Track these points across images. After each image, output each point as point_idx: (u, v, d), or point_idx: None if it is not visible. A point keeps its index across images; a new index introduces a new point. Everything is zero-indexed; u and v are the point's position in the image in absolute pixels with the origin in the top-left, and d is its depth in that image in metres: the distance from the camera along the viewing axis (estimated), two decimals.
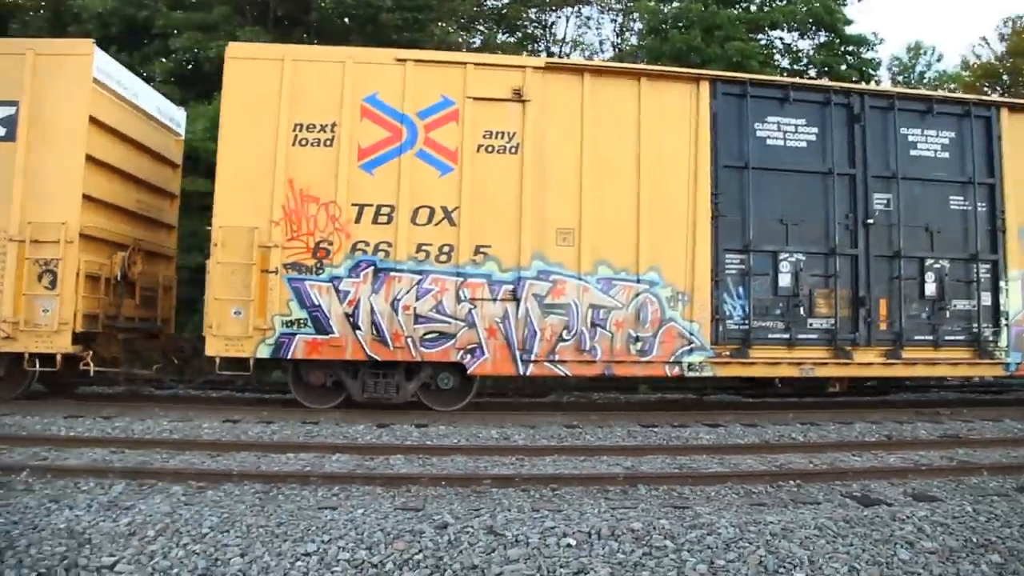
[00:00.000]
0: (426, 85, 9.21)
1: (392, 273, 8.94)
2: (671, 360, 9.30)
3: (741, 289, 9.57)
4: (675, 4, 18.31)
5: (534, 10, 20.26)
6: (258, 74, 9.07)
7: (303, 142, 9.01)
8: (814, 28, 18.36)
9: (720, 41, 16.30)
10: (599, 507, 5.36)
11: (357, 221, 8.99)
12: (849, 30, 18.13)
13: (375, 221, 9.00)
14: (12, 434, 7.69)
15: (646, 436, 8.45)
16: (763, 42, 18.11)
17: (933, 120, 10.37)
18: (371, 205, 9.01)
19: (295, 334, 8.80)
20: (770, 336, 9.63)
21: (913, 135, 10.34)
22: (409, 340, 8.89)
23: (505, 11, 19.73)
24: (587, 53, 21.64)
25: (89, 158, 9.44)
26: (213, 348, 8.77)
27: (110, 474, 6.07)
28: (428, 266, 9.00)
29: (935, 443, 8.26)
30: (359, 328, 8.85)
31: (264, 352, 8.80)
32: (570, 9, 20.65)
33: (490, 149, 9.20)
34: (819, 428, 9.03)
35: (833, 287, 9.72)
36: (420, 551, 4.34)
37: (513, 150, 9.21)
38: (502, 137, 9.22)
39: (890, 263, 9.99)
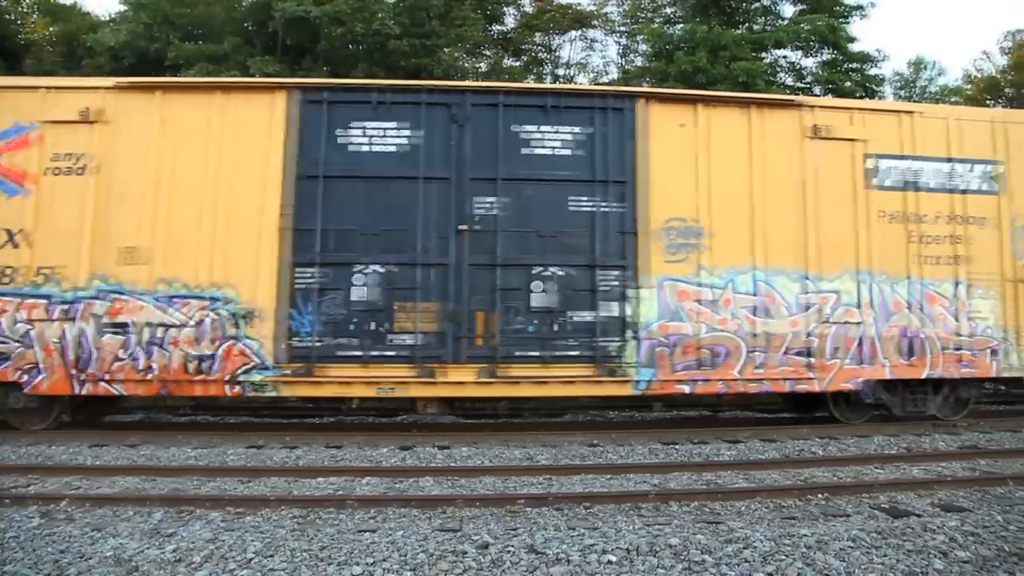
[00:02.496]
0: (1, 110, 9.41)
1: None
2: (230, 379, 9.02)
3: (311, 305, 9.13)
4: (680, 26, 18.59)
5: (539, 34, 20.56)
6: None
7: None
8: (818, 46, 18.61)
9: (726, 61, 16.54)
10: (634, 524, 5.44)
11: None
12: (853, 48, 18.37)
13: None
14: (42, 464, 7.79)
15: (668, 453, 8.53)
16: (768, 61, 18.35)
17: (557, 116, 9.69)
18: None
19: None
20: (341, 354, 9.07)
21: (530, 132, 9.66)
22: None
23: (511, 36, 20.03)
24: (592, 76, 21.93)
25: None
26: None
27: (148, 502, 6.16)
28: None
29: (956, 454, 8.35)
30: None
31: None
32: (575, 32, 20.94)
33: (58, 171, 9.27)
34: (838, 442, 9.09)
35: (418, 300, 9.20)
36: (464, 571, 4.42)
37: (81, 171, 9.27)
38: (72, 159, 9.31)
39: (492, 272, 9.30)
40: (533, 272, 9.35)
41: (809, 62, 19.25)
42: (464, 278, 9.25)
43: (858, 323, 9.90)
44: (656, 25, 19.87)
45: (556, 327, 9.30)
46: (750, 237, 9.78)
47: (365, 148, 9.46)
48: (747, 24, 19.09)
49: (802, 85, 18.76)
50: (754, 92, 13.89)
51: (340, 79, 10.92)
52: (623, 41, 22.37)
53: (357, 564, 4.56)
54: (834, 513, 5.91)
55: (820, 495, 6.48)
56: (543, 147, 9.65)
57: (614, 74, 21.93)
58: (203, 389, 9.17)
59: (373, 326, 9.14)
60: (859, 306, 9.96)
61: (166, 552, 4.78)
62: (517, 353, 9.21)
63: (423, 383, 9.12)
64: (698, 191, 9.77)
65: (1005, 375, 10.38)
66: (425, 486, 6.87)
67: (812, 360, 9.74)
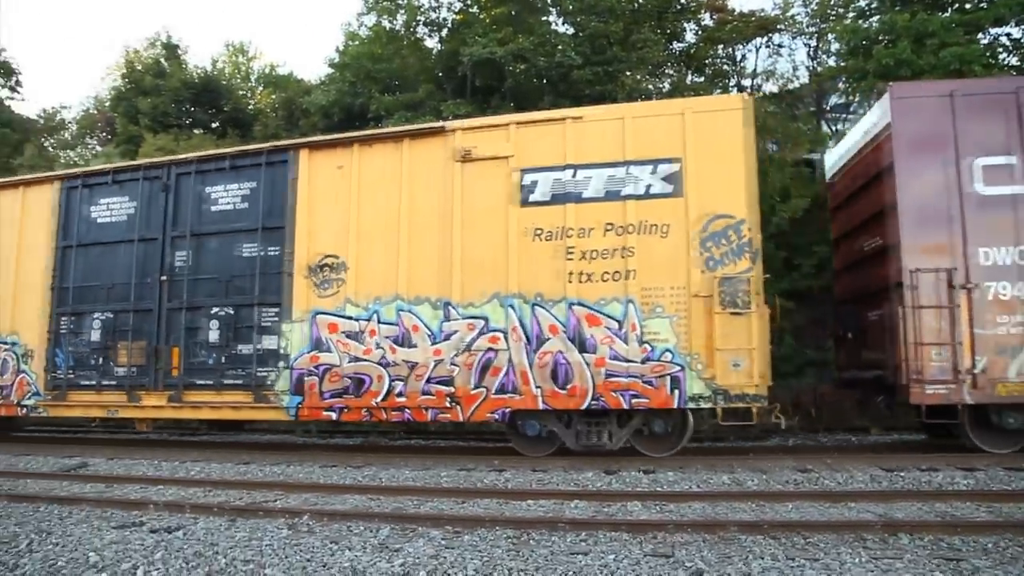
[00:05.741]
0: None
1: None
2: (18, 403, 11.85)
3: (67, 345, 11.64)
4: (876, 19, 17.30)
5: (722, 46, 20.07)
6: None
7: None
8: None
9: (934, 49, 15.11)
10: (859, 556, 5.10)
11: None
12: None
13: None
14: (283, 481, 8.71)
15: (891, 481, 7.89)
16: (985, 42, 16.50)
17: (235, 174, 11.10)
18: None
19: None
20: (84, 383, 11.49)
21: (216, 192, 11.19)
22: None
23: (693, 51, 19.72)
24: (782, 82, 20.99)
25: None
26: None
27: (376, 519, 6.70)
28: None
29: None
30: None
31: None
32: (760, 40, 20.17)
33: None
34: None
35: (131, 339, 11.14)
36: None
37: None
38: None
39: (184, 314, 10.95)
40: (211, 312, 10.89)
41: None
42: (163, 320, 11.12)
43: (505, 350, 9.43)
44: (849, 21, 18.61)
45: (225, 359, 10.73)
46: (395, 268, 10.04)
47: (105, 219, 11.86)
48: (956, 5, 17.30)
49: None
50: (963, 78, 12.57)
51: (92, 167, 13.41)
52: (813, 43, 21.21)
53: None
54: None
55: None
56: (224, 203, 11.17)
57: (804, 78, 20.85)
58: (5, 411, 12.11)
59: (103, 360, 11.45)
60: (507, 332, 9.46)
61: (394, 566, 5.17)
62: (199, 382, 10.85)
63: (132, 407, 11.22)
64: (349, 228, 10.36)
65: (690, 407, 8.91)
66: (633, 510, 6.87)
67: (454, 389, 9.53)
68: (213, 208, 11.19)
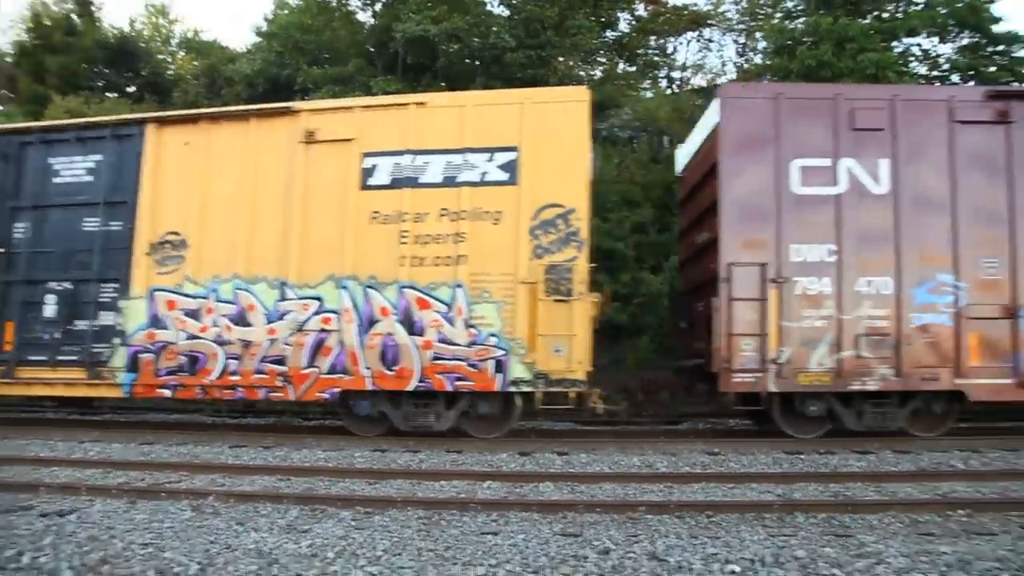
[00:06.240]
0: None
1: None
2: None
3: None
4: (801, 20, 17.86)
5: (654, 38, 20.35)
6: None
7: None
8: (957, 31, 17.31)
9: (852, 54, 15.72)
10: (758, 534, 5.30)
11: None
12: (997, 29, 16.95)
13: None
14: (188, 462, 8.42)
15: (792, 463, 8.23)
16: (899, 50, 17.27)
17: (83, 146, 10.70)
18: None
19: None
20: None
21: (61, 163, 10.76)
22: None
23: (626, 40, 19.92)
24: (710, 76, 21.48)
25: None
26: None
27: (284, 500, 6.57)
28: None
29: None
30: None
31: None
32: (691, 33, 20.57)
33: None
34: (981, 455, 8.47)
35: None
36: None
37: None
38: None
39: (21, 288, 10.57)
40: (50, 287, 10.52)
41: (946, 48, 17.97)
42: (5, 293, 10.65)
43: (336, 331, 9.52)
44: (776, 21, 19.17)
45: (62, 335, 10.39)
46: (235, 247, 9.94)
47: None
48: (876, 13, 18.06)
49: (938, 73, 17.57)
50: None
51: None
52: (741, 40, 21.79)
53: (480, 565, 4.68)
54: (977, 531, 5.50)
55: (961, 511, 6.06)
56: (69, 175, 10.73)
57: (732, 73, 21.40)
58: None
59: None
60: (340, 313, 9.54)
61: (302, 547, 5.08)
62: (31, 358, 10.48)
63: None
64: (192, 206, 10.19)
65: (511, 390, 9.25)
66: (545, 491, 6.96)
67: (287, 368, 9.56)
68: (57, 180, 10.78)
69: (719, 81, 21.28)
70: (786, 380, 9.12)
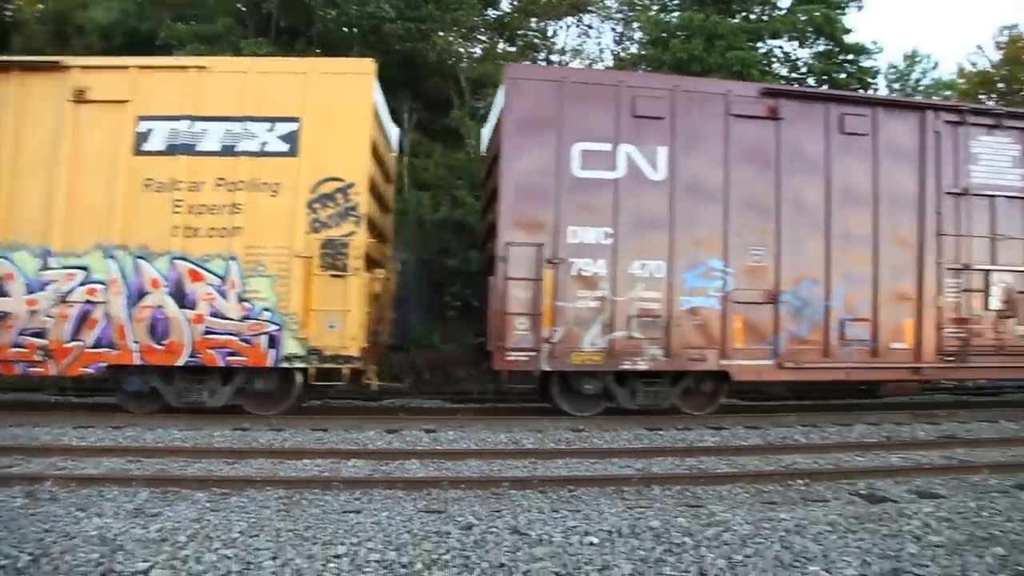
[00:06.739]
0: None
1: None
2: None
3: None
4: (676, 14, 18.52)
5: (535, 20, 20.44)
6: None
7: None
8: (814, 37, 18.54)
9: (721, 50, 16.49)
10: (616, 507, 5.51)
11: None
12: (849, 39, 18.31)
13: None
14: (24, 445, 7.75)
15: (652, 439, 8.62)
16: (763, 51, 18.30)
17: None
18: None
19: None
20: None
21: None
22: None
23: (507, 20, 19.90)
24: (587, 62, 21.82)
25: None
26: None
27: (133, 482, 6.19)
28: None
29: (934, 443, 8.47)
30: None
31: None
32: (571, 18, 20.81)
33: None
34: (820, 430, 9.20)
35: None
36: (448, 551, 4.47)
37: None
38: None
39: None
40: None
41: (804, 53, 19.19)
42: None
43: (103, 303, 9.12)
44: (652, 13, 19.78)
45: None
46: None
47: None
48: (744, 13, 19.02)
49: (797, 76, 18.71)
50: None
51: None
52: (619, 28, 22.29)
53: (341, 544, 4.60)
54: (814, 499, 5.99)
55: (800, 481, 6.57)
56: None
57: (609, 61, 21.85)
58: None
59: None
60: (108, 284, 9.12)
61: (150, 531, 4.79)
62: None
63: None
64: None
65: (284, 366, 9.20)
66: (411, 468, 6.93)
67: (47, 342, 9.10)
68: None
69: (597, 67, 21.75)
70: (559, 359, 9.22)
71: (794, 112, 9.99)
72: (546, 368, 9.27)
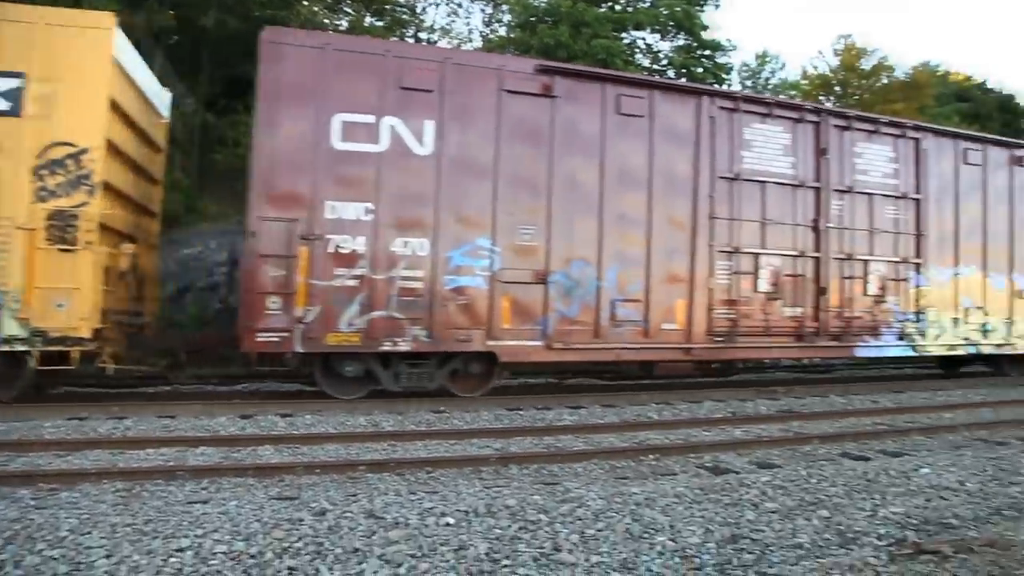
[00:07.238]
0: None
1: None
2: None
3: None
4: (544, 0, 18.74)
5: None
6: None
7: None
8: (674, 31, 19.35)
9: (587, 38, 16.86)
10: (474, 487, 5.53)
11: None
12: (706, 36, 19.25)
13: None
14: None
15: (511, 419, 8.74)
16: (627, 41, 18.89)
17: None
18: None
19: None
20: None
21: None
22: None
23: None
24: (456, 42, 21.67)
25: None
26: None
27: None
28: None
29: (773, 417, 9.13)
30: None
31: None
32: None
33: None
34: (672, 407, 9.68)
35: None
36: (300, 539, 4.32)
37: None
38: None
39: None
40: None
41: (665, 45, 20.00)
42: None
43: None
44: None
45: None
46: None
47: None
48: (610, 4, 19.53)
49: (658, 67, 19.48)
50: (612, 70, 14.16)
51: None
52: (488, 9, 22.29)
53: (185, 537, 4.33)
54: (663, 472, 6.30)
55: (651, 456, 6.89)
56: None
57: (478, 42, 21.83)
58: None
59: None
60: None
61: None
62: None
63: None
64: None
65: (3, 349, 8.20)
66: (264, 454, 6.65)
67: None
68: None
69: (463, 47, 21.66)
70: (314, 340, 8.79)
71: (569, 90, 9.91)
72: (299, 350, 8.79)
